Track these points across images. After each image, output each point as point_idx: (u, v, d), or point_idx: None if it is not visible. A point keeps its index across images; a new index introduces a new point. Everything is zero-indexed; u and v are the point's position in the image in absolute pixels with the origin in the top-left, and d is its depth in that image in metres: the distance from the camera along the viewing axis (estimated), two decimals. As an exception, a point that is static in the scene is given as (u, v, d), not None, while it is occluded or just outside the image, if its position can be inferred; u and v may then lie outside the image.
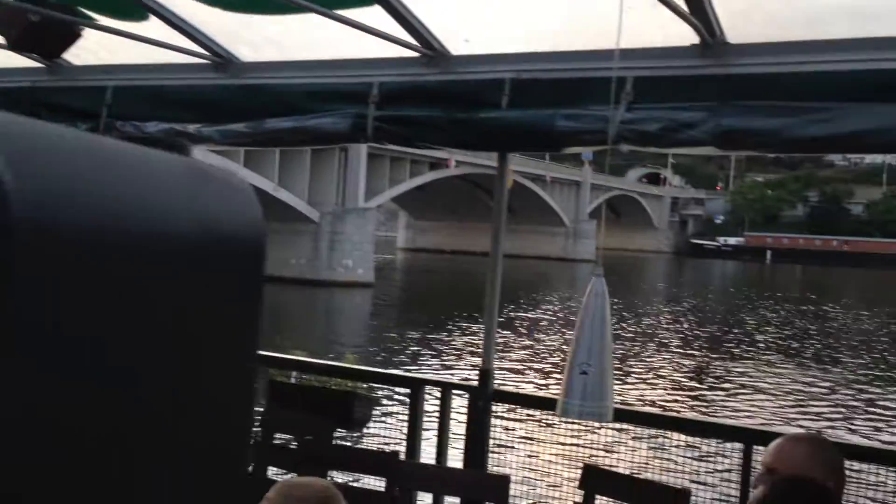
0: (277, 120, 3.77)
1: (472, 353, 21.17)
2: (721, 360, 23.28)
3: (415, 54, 3.59)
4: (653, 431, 3.94)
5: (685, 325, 31.56)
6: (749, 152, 3.04)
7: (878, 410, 17.49)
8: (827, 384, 20.27)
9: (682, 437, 3.90)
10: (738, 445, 3.58)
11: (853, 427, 15.64)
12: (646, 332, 28.13)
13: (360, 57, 3.74)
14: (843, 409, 17.43)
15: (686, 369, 21.60)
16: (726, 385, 19.70)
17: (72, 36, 3.52)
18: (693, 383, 19.72)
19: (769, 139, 2.91)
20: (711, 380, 20.39)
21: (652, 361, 22.30)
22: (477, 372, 3.92)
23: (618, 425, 4.08)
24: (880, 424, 16.07)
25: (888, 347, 28.10)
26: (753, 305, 41.84)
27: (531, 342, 24.50)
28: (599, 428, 4.07)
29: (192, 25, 3.85)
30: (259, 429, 4.32)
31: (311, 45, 3.88)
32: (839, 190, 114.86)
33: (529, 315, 31.79)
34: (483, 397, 3.80)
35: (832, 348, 27.21)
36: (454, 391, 4.08)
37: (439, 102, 3.48)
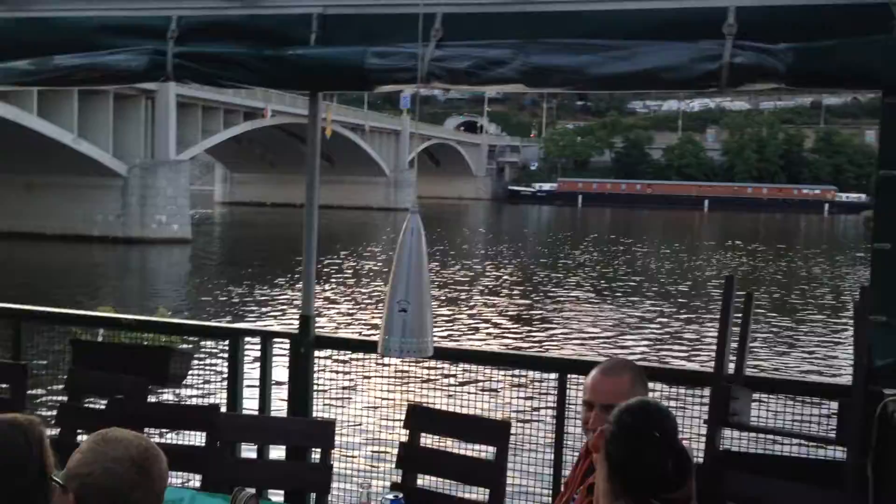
0: (66, 56, 3.46)
1: (297, 305, 20.84)
2: (541, 300, 24.34)
3: None
4: (475, 368, 4.02)
5: (506, 269, 32.67)
6: (556, 89, 3.12)
7: (681, 338, 18.99)
8: (635, 317, 21.70)
9: (503, 372, 4.03)
10: (554, 376, 3.74)
11: (660, 355, 16.90)
12: (469, 278, 28.87)
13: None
14: (650, 340, 18.77)
15: (508, 310, 22.41)
16: (546, 323, 20.66)
17: None
18: (516, 323, 20.50)
19: (574, 76, 3.00)
20: (533, 319, 21.30)
21: (476, 305, 22.94)
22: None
23: (441, 364, 4.16)
24: (682, 350, 17.48)
25: (685, 281, 30.43)
26: (568, 247, 43.92)
27: (356, 291, 24.52)
28: (424, 368, 4.12)
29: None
30: (64, 392, 4.05)
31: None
32: (641, 136, 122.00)
33: (353, 265, 31.78)
34: (304, 343, 3.74)
35: (639, 284, 29.11)
36: (275, 339, 3.99)
37: (244, 38, 3.33)
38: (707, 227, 73.87)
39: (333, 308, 20.74)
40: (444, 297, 23.00)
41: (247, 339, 3.99)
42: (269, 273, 27.47)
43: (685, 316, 22.20)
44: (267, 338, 3.94)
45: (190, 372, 4.04)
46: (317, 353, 3.82)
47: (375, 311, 19.82)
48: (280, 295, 23.55)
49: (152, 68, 3.37)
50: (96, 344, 4.08)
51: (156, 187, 43.06)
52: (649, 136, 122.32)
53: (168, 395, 4.27)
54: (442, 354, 3.72)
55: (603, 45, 2.99)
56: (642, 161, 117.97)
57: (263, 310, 21.13)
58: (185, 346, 4.06)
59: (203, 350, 4.19)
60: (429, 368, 4.17)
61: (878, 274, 3.00)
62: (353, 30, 3.24)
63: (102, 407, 4.00)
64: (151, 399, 3.95)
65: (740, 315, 3.24)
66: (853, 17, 2.86)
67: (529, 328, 19.95)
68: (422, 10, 2.94)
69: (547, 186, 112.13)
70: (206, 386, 4.09)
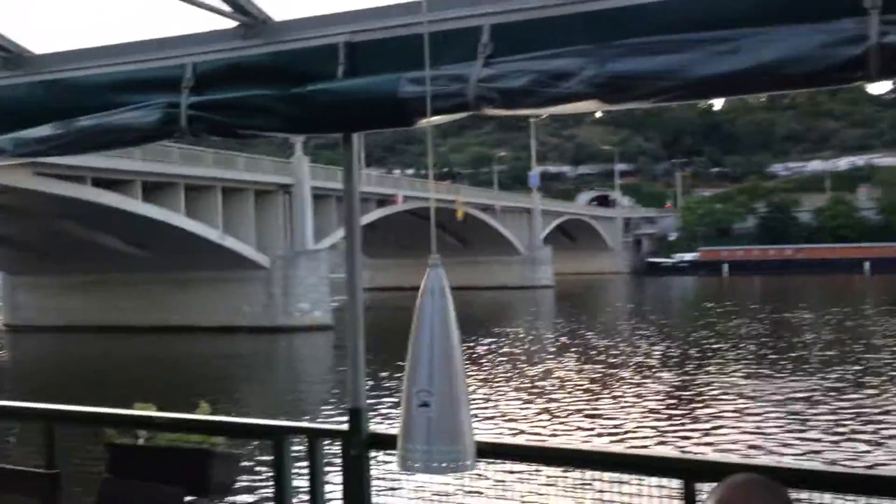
0: (78, 120, 3.05)
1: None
2: (695, 378, 22.43)
3: (232, 24, 2.92)
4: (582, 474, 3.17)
5: (657, 344, 30.66)
6: (641, 103, 2.38)
7: (867, 419, 16.53)
8: (810, 394, 19.35)
9: (611, 477, 3.14)
10: (677, 484, 2.83)
11: (844, 447, 14.30)
12: (611, 356, 27.32)
13: (171, 35, 3.07)
14: (830, 423, 16.19)
15: (658, 393, 20.63)
16: (701, 405, 18.66)
17: None
18: (670, 407, 18.64)
19: (665, 83, 2.25)
20: (685, 400, 19.47)
21: (626, 386, 21.35)
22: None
23: (551, 470, 3.32)
24: (870, 440, 14.75)
25: (862, 350, 27.57)
26: (723, 319, 41.35)
27: (507, 377, 23.38)
28: (527, 471, 3.30)
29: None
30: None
31: (117, 27, 3.19)
32: (786, 199, 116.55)
33: (495, 347, 30.87)
34: (355, 443, 3.07)
35: (808, 356, 26.48)
36: (324, 439, 3.32)
37: (266, 80, 2.81)
38: (872, 290, 68.44)
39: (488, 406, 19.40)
40: (584, 383, 21.65)
41: (294, 437, 3.36)
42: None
43: (867, 392, 19.39)
44: (314, 437, 3.29)
45: (236, 479, 3.44)
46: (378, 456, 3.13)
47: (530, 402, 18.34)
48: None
49: (164, 124, 2.91)
50: (132, 448, 3.57)
51: (297, 276, 44.30)
52: (795, 199, 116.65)
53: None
54: (497, 452, 2.88)
55: (699, 39, 2.25)
56: (790, 225, 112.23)
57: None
58: (228, 447, 3.48)
59: (247, 452, 3.58)
60: (530, 471, 3.34)
61: None
62: (386, 57, 2.66)
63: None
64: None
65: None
66: None
67: (684, 412, 18.03)
68: (463, 22, 2.34)
69: (689, 256, 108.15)
70: (253, 497, 3.46)
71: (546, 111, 2.47)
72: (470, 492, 3.43)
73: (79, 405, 3.94)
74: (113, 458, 3.53)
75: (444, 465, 1.90)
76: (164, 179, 40.35)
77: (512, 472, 3.18)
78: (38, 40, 3.29)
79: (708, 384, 21.31)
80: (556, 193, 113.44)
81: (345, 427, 3.12)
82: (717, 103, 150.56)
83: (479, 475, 3.02)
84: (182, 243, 41.51)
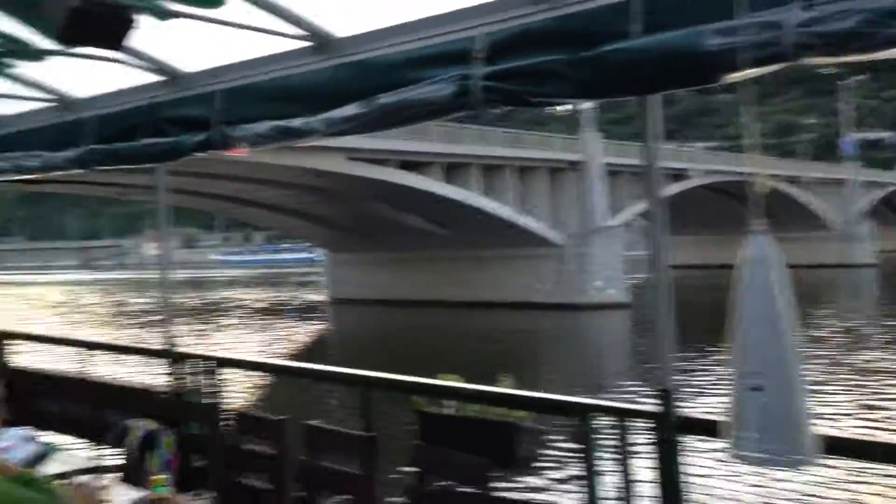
0: (378, 98, 3.17)
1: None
2: None
3: None
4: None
5: None
6: None
7: None
8: None
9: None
10: None
11: None
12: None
13: (460, 7, 3.07)
14: None
15: None
16: None
17: (123, 21, 3.12)
18: None
19: None
20: None
21: None
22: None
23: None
24: None
25: None
26: None
27: (832, 363, 21.38)
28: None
29: (276, 3, 3.38)
30: (413, 470, 3.68)
31: (410, 4, 3.27)
32: None
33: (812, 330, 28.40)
34: (667, 426, 2.86)
35: None
36: (633, 419, 3.14)
37: (555, 44, 2.70)
38: None
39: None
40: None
41: (601, 416, 3.22)
42: (717, 339, 25.57)
43: None
44: (622, 417, 3.12)
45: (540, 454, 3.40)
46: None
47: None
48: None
49: (457, 97, 2.90)
50: (441, 417, 3.67)
51: (590, 254, 44.23)
52: None
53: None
54: (849, 448, 2.46)
55: None
56: None
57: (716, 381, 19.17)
58: (531, 421, 3.43)
59: (551, 428, 3.52)
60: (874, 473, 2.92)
61: None
62: (685, 9, 2.43)
63: (448, 490, 3.56)
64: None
65: None
66: None
67: None
68: None
69: None
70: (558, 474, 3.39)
71: (878, 56, 2.10)
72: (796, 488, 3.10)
73: (391, 373, 4.14)
74: (424, 426, 3.65)
75: (780, 457, 1.66)
76: (461, 160, 42.17)
77: (849, 473, 2.80)
78: (341, 24, 3.48)
79: None
80: (876, 163, 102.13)
81: (655, 408, 2.94)
82: None
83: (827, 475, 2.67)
84: (478, 222, 43.19)
